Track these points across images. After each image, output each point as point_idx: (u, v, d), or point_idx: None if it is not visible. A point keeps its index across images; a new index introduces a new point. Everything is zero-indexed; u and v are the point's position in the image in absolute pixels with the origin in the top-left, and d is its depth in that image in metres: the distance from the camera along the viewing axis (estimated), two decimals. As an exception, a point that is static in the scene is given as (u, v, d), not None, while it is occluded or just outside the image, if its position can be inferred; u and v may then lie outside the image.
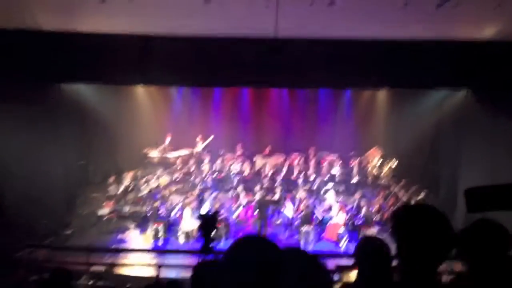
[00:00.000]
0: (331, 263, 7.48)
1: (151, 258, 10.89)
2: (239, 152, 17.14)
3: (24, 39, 10.32)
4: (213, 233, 5.64)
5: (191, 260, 8.87)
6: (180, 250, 11.51)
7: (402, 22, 10.35)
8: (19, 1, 9.61)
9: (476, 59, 10.36)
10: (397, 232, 2.06)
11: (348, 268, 6.48)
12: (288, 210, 13.31)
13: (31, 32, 10.27)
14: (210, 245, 5.65)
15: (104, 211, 13.24)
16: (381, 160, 16.60)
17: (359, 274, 2.74)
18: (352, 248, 11.21)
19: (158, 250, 11.61)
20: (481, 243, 2.36)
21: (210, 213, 6.14)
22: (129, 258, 10.66)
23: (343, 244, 12.37)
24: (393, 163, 16.10)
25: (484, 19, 10.63)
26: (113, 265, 9.71)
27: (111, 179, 14.48)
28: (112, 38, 10.48)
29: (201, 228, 5.78)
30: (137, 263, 9.04)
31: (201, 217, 5.86)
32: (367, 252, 2.72)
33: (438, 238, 1.96)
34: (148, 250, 10.84)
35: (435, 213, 2.04)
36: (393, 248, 2.31)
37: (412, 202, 12.85)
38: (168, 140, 17.28)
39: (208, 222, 5.65)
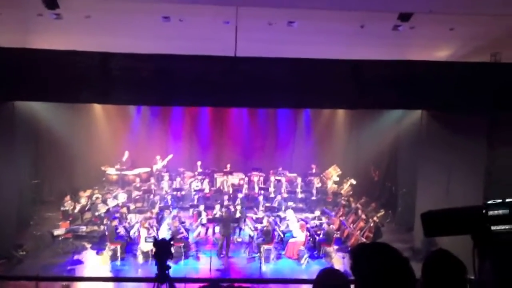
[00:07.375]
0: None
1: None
2: (199, 170, 17.00)
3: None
4: (167, 260, 5.50)
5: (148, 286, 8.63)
6: (134, 278, 11.14)
7: (359, 43, 10.55)
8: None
9: (431, 80, 10.62)
10: (355, 270, 2.07)
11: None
12: (249, 227, 13.23)
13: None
14: (166, 272, 5.52)
15: (60, 231, 12.81)
16: (340, 177, 16.80)
17: None
18: (312, 266, 11.16)
19: (112, 278, 11.25)
20: (440, 277, 2.41)
21: (164, 239, 5.97)
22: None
23: (303, 261, 12.34)
24: (353, 181, 16.30)
25: (439, 41, 10.97)
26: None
27: (67, 198, 14.06)
28: (68, 55, 10.19)
29: (155, 255, 5.63)
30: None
31: (155, 243, 5.70)
32: (327, 285, 2.70)
33: (397, 278, 1.97)
34: (102, 279, 10.47)
35: (392, 252, 2.05)
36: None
37: (371, 220, 12.98)
38: (126, 157, 16.98)
39: (162, 249, 5.51)
